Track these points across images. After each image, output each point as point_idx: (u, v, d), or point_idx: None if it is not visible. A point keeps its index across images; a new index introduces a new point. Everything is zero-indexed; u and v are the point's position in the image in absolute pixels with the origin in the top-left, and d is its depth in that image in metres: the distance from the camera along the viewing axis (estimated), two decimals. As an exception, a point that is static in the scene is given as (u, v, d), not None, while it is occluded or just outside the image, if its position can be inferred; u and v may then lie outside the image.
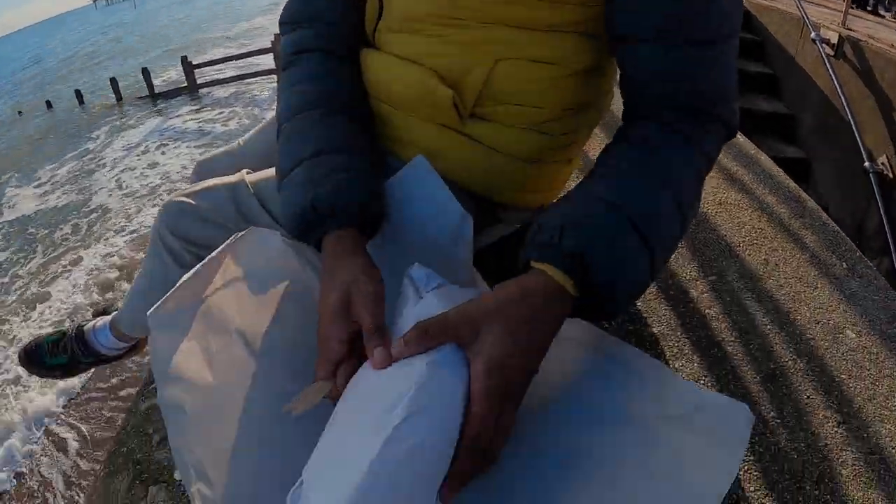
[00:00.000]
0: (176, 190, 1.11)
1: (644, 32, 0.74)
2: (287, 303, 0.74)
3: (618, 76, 0.84)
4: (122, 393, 6.30)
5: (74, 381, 6.44)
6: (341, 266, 0.69)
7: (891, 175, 3.79)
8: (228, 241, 0.73)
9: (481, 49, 0.83)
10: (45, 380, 1.54)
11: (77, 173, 14.27)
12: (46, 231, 11.43)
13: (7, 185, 14.51)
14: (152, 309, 0.70)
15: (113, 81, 19.95)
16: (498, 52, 0.83)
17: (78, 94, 20.65)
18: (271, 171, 0.96)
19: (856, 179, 3.87)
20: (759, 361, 1.02)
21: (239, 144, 1.23)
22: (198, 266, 0.72)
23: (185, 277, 0.73)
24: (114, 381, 6.42)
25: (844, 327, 1.09)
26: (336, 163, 0.79)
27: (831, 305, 1.13)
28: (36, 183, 14.21)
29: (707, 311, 1.14)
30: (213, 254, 0.73)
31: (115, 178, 13.23)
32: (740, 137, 1.92)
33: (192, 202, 0.97)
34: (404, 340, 0.57)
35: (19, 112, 21.49)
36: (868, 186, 3.68)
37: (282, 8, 0.99)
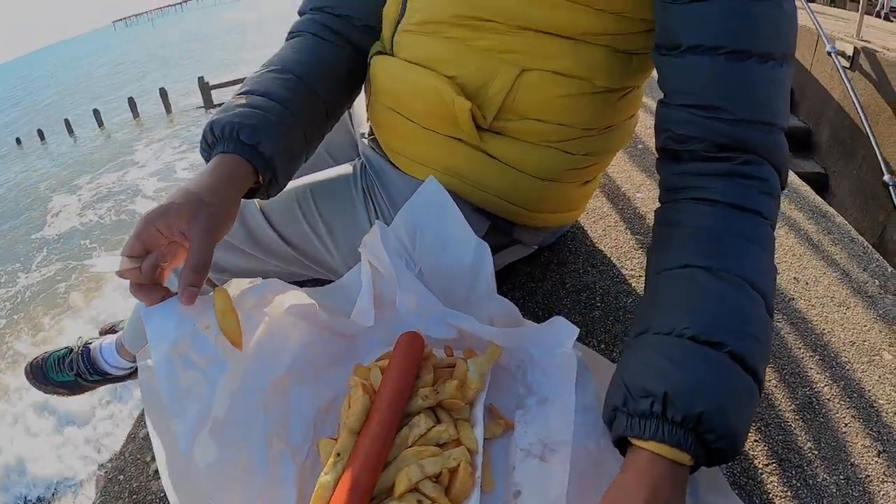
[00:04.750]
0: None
1: (697, 38, 0.68)
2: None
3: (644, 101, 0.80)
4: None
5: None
6: (216, 184, 0.71)
7: (911, 187, 3.72)
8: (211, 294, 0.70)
9: (506, 57, 0.80)
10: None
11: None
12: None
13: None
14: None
15: (130, 101, 20.44)
16: (523, 61, 0.79)
17: (96, 113, 21.15)
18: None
19: (875, 193, 3.82)
20: (793, 388, 0.96)
21: None
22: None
23: None
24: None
25: (881, 348, 1.03)
26: (252, 101, 0.78)
27: (866, 325, 1.08)
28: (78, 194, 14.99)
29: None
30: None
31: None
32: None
33: None
34: None
35: (40, 132, 22.22)
36: (888, 199, 3.58)
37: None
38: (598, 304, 1.12)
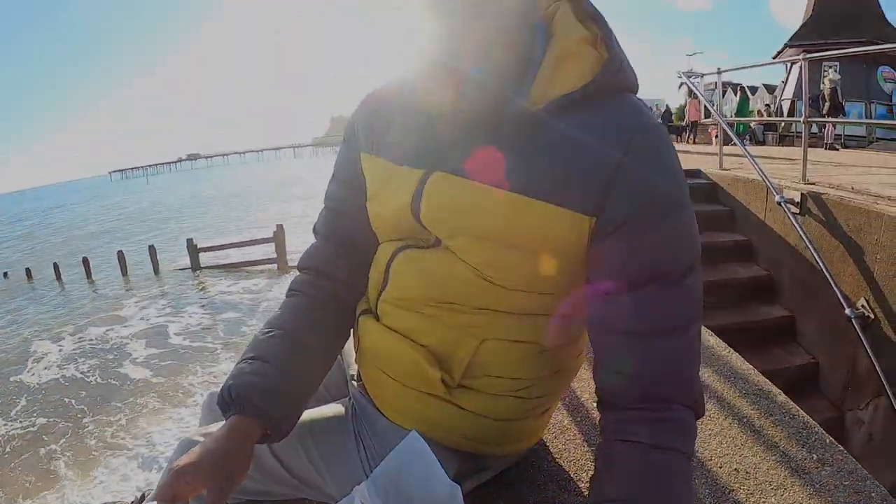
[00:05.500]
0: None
1: (617, 324, 0.87)
2: None
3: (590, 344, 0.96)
4: None
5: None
6: (233, 448, 0.88)
7: (872, 316, 3.94)
8: None
9: (469, 331, 0.98)
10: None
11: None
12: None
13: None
14: None
15: (119, 255, 20.89)
16: (482, 333, 0.98)
17: (85, 262, 21.47)
18: None
19: (840, 327, 4.04)
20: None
21: None
22: None
23: None
24: None
25: None
26: (256, 367, 0.98)
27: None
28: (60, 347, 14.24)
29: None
30: None
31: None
32: (706, 334, 2.11)
33: None
34: None
35: (28, 271, 22.63)
36: (853, 332, 3.83)
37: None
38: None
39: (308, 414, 1.12)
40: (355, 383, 1.21)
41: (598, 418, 0.94)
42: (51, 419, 10.34)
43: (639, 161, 0.83)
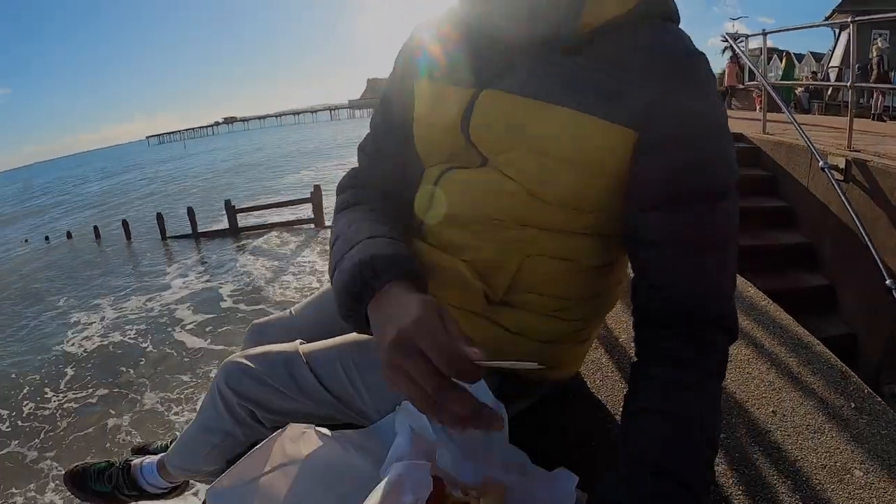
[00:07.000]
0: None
1: (655, 238, 0.89)
2: (328, 491, 0.87)
3: (629, 271, 1.00)
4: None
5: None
6: (419, 300, 0.77)
7: (914, 289, 3.86)
8: (273, 435, 0.88)
9: (513, 247, 1.00)
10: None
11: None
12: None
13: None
14: (211, 486, 0.84)
15: (159, 217, 21.39)
16: (526, 249, 1.00)
17: (125, 224, 22.09)
18: (323, 343, 1.15)
19: (880, 299, 3.96)
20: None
21: (291, 314, 1.40)
22: (248, 454, 0.87)
23: (238, 462, 0.87)
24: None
25: (852, 467, 1.18)
26: (387, 237, 0.94)
27: (838, 448, 1.23)
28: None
29: (715, 467, 1.19)
30: (261, 444, 0.87)
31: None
32: (745, 285, 2.08)
33: (251, 364, 1.12)
34: None
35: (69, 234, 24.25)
36: (893, 304, 3.75)
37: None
38: (599, 451, 1.27)
39: (348, 338, 1.15)
40: None
41: (635, 356, 0.95)
42: (113, 389, 9.70)
43: (681, 83, 0.87)
